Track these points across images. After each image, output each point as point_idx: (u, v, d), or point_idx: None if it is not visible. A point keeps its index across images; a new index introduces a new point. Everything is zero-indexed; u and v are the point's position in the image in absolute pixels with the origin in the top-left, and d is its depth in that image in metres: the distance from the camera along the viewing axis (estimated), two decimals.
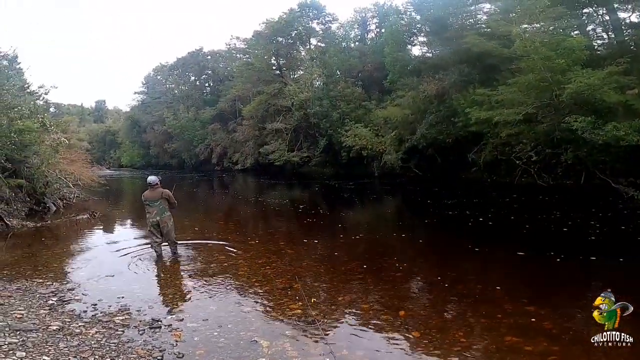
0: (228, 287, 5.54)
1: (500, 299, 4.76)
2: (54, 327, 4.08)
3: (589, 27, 16.95)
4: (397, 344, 3.89)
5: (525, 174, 15.31)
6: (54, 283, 5.68)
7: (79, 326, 4.14)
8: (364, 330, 4.23)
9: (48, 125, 13.12)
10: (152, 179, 7.13)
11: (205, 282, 5.76)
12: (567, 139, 12.98)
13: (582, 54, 12.74)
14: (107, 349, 3.65)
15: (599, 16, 16.35)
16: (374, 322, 4.42)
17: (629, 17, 15.73)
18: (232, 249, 7.52)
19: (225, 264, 6.66)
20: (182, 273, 6.32)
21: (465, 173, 18.23)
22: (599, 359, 3.30)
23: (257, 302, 5.00)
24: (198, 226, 10.44)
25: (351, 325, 4.35)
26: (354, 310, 4.76)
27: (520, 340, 3.72)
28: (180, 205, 14.73)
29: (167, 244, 7.12)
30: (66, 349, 3.62)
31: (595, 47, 16.59)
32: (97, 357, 3.49)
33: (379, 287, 5.56)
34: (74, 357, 3.47)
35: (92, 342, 3.76)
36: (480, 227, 9.23)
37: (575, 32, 15.63)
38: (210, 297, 5.17)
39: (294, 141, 30.03)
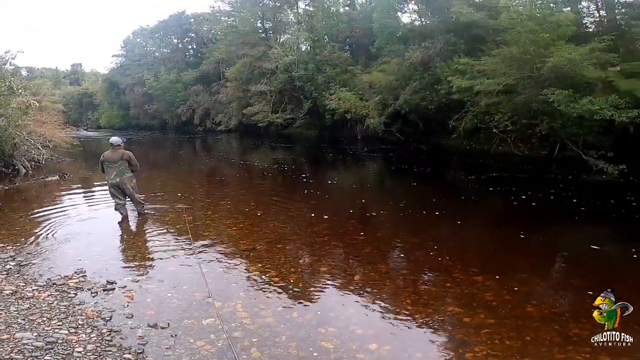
0: (190, 248, 5.55)
1: (453, 267, 4.87)
2: (7, 292, 4.08)
3: (582, 4, 16.74)
4: (347, 308, 4.00)
5: (502, 142, 15.52)
6: (14, 247, 5.60)
7: (32, 290, 4.14)
8: (317, 293, 4.34)
9: (15, 89, 12.68)
10: (115, 139, 7.01)
11: (168, 244, 5.78)
12: (544, 110, 13.04)
13: (568, 29, 12.63)
14: (57, 311, 3.68)
15: None
16: (329, 284, 4.53)
17: None
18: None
19: (192, 225, 6.65)
20: (145, 235, 6.32)
21: (446, 139, 18.40)
22: (526, 334, 3.43)
23: (217, 263, 5.06)
24: (170, 187, 10.35)
25: (305, 287, 4.45)
26: (311, 273, 4.88)
27: (461, 311, 3.82)
28: (160, 167, 14.43)
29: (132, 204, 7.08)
30: (16, 312, 3.64)
31: (587, 24, 16.47)
32: (45, 319, 3.52)
33: (340, 251, 5.68)
34: (23, 319, 3.49)
35: (43, 305, 3.79)
36: (451, 193, 9.41)
37: (567, 8, 15.42)
38: (170, 258, 5.20)
39: (278, 103, 29.66)
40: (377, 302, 4.08)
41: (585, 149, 12.26)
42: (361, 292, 4.32)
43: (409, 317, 3.76)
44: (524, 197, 8.36)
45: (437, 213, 7.47)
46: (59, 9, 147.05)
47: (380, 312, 3.90)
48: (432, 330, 3.57)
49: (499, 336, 3.40)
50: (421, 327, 3.61)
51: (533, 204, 8.01)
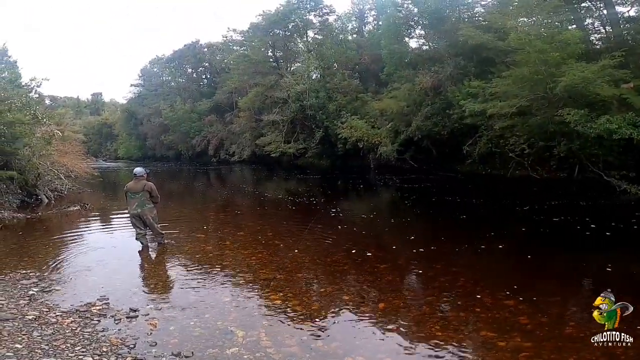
0: (210, 278, 5.53)
1: (481, 292, 4.74)
2: (30, 317, 4.09)
3: (587, 21, 16.89)
4: (373, 336, 3.89)
5: (519, 166, 15.30)
6: (38, 274, 5.66)
7: (56, 316, 4.15)
8: (341, 321, 4.23)
9: (40, 118, 13.10)
10: (138, 170, 7.13)
11: (188, 273, 5.76)
12: (561, 131, 12.95)
13: (577, 47, 12.67)
14: (81, 337, 3.67)
15: (597, 10, 16.26)
16: (353, 313, 4.41)
17: (627, 11, 15.72)
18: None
19: (211, 255, 6.68)
20: (166, 264, 6.33)
21: (460, 165, 18.21)
22: (569, 356, 3.28)
23: (238, 293, 5.00)
24: (187, 218, 10.44)
25: (329, 316, 4.36)
26: (333, 302, 4.77)
27: (494, 335, 3.70)
28: (177, 198, 14.50)
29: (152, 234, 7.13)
30: (39, 337, 3.63)
31: (593, 41, 16.55)
32: (69, 345, 3.50)
33: (362, 279, 5.56)
34: (47, 345, 3.48)
35: (67, 331, 3.78)
36: (466, 220, 9.23)
37: (572, 25, 15.57)
38: (191, 287, 5.16)
39: (290, 133, 29.98)
40: (404, 329, 3.96)
41: (606, 170, 12.05)
42: (386, 319, 4.20)
43: (439, 344, 3.62)
44: (593, 225, 7.94)
45: (500, 246, 6.85)
46: (59, 9, 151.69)
47: (409, 339, 3.77)
48: (465, 355, 3.43)
49: (539, 359, 3.27)
50: (453, 353, 3.47)
51: (607, 233, 7.42)
